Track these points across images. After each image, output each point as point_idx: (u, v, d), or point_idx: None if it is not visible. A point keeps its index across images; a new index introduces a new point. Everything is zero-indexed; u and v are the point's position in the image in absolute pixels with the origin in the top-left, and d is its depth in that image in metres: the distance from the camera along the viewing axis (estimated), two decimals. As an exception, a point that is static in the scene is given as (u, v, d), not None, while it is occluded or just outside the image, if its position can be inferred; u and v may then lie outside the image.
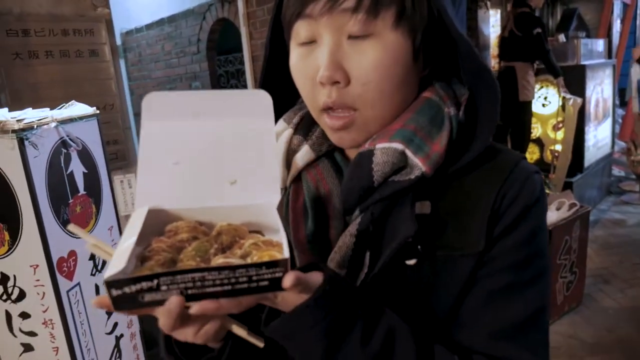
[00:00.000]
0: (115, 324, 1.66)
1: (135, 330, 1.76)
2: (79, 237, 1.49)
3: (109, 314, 1.64)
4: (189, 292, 0.42)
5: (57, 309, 1.40)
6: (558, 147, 4.46)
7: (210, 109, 0.55)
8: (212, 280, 0.42)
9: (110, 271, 0.41)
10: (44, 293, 1.39)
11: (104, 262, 1.62)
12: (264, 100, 0.55)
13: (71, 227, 0.55)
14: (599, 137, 4.92)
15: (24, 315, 1.41)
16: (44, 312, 1.40)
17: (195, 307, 0.43)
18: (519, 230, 0.59)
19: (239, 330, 0.54)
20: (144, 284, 0.41)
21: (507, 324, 0.58)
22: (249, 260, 0.46)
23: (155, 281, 0.41)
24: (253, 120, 0.55)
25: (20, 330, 1.42)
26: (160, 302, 0.43)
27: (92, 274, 1.56)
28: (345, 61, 0.56)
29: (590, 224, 3.09)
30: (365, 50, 0.56)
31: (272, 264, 0.43)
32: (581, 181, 4.41)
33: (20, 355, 1.45)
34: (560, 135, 4.46)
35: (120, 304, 0.41)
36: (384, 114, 0.60)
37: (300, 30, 0.58)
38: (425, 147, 0.58)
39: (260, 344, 0.54)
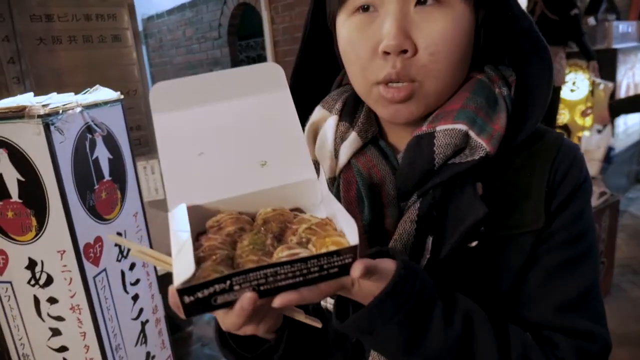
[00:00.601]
0: (141, 310, 1.67)
1: (160, 316, 1.77)
2: (105, 223, 1.50)
3: (135, 299, 1.64)
4: (262, 288, 0.41)
5: (84, 294, 1.40)
6: (586, 134, 4.33)
7: (221, 90, 0.53)
8: (285, 274, 0.41)
9: (180, 278, 0.39)
10: (71, 279, 1.39)
11: (129, 249, 1.62)
12: (275, 72, 0.54)
13: (111, 237, 0.54)
14: (629, 124, 4.77)
15: (52, 300, 1.42)
16: (72, 297, 1.41)
17: (277, 301, 0.42)
18: (573, 206, 0.59)
19: (299, 316, 0.53)
20: (217, 287, 0.40)
21: (570, 296, 0.59)
22: (311, 247, 0.45)
23: (228, 282, 0.40)
24: (268, 94, 0.54)
25: (49, 315, 1.44)
26: (232, 302, 0.42)
27: (117, 260, 1.56)
28: (413, 30, 0.54)
29: (619, 213, 3.00)
30: (436, 19, 0.54)
31: (343, 252, 0.42)
32: (610, 168, 4.29)
33: (49, 339, 1.46)
34: (588, 121, 4.33)
35: (193, 309, 0.41)
36: (444, 87, 0.59)
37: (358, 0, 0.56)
38: (487, 127, 0.57)
39: (319, 325, 0.54)
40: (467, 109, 0.58)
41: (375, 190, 0.61)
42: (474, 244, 0.57)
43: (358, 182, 0.61)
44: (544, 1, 4.09)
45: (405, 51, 0.54)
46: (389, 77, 0.56)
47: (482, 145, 0.56)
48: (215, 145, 0.52)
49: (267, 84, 0.54)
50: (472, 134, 0.57)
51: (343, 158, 0.62)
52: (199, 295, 0.40)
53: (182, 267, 0.40)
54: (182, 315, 0.41)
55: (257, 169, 0.53)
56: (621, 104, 2.87)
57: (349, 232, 0.44)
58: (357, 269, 0.42)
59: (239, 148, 0.53)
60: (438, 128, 0.57)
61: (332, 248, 0.42)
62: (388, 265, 0.48)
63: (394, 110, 0.59)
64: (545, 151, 0.60)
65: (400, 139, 0.65)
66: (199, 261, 0.44)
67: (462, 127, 0.56)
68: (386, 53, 0.55)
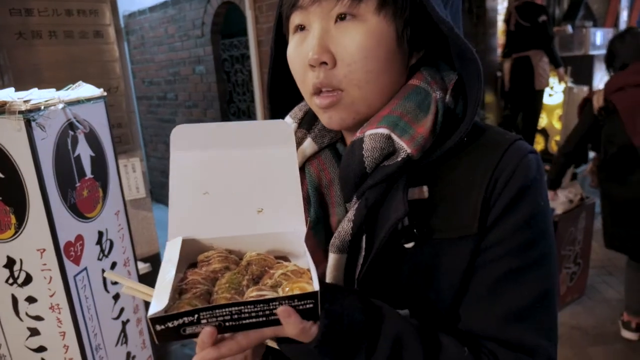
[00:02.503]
0: (122, 310, 1.65)
1: (141, 316, 1.75)
2: (86, 222, 1.48)
3: (116, 299, 1.62)
4: (227, 324, 0.45)
5: (64, 293, 1.38)
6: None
7: (235, 139, 0.59)
8: (248, 313, 0.45)
9: (153, 308, 0.44)
10: (50, 277, 1.37)
11: (111, 247, 1.60)
12: (284, 129, 0.60)
13: (107, 274, 0.58)
14: (604, 128, 4.89)
15: (31, 300, 1.39)
16: (51, 296, 1.38)
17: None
18: (517, 213, 0.59)
19: (271, 342, 0.57)
20: (186, 319, 0.44)
21: (515, 307, 0.59)
22: (279, 291, 0.49)
23: (196, 316, 0.44)
24: (275, 149, 0.60)
25: (27, 315, 1.41)
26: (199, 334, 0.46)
27: (99, 259, 1.54)
28: (332, 44, 0.60)
29: (594, 215, 3.08)
30: (349, 32, 0.59)
31: (304, 297, 0.45)
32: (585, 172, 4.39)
33: (27, 339, 1.43)
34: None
35: (163, 336, 0.45)
36: (369, 95, 0.62)
37: (294, 20, 0.63)
38: (410, 129, 0.60)
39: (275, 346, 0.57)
40: (392, 114, 0.62)
41: (323, 191, 0.67)
42: (409, 245, 0.60)
43: (307, 183, 0.67)
44: (517, 10, 4.20)
45: (325, 63, 0.60)
46: (315, 86, 0.62)
47: (403, 147, 0.59)
48: (220, 187, 0.58)
49: (276, 138, 0.60)
50: (394, 136, 0.60)
51: (299, 161, 0.68)
52: (169, 325, 0.44)
53: (159, 298, 0.45)
54: (155, 340, 0.45)
55: (254, 214, 0.58)
56: None
57: (315, 279, 0.47)
58: (282, 311, 0.46)
59: (241, 193, 0.58)
60: (366, 133, 0.62)
61: (296, 292, 0.46)
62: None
63: (328, 117, 0.64)
64: (489, 155, 0.61)
65: None
66: (181, 292, 0.50)
67: (384, 130, 0.60)
68: (311, 66, 0.61)
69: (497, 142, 0.62)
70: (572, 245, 2.86)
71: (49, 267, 1.36)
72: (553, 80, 4.50)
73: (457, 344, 0.58)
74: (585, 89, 4.24)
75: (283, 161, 0.60)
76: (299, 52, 0.63)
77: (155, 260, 2.67)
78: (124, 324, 1.66)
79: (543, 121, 4.67)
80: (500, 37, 4.99)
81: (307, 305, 0.46)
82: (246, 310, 0.44)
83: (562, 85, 4.41)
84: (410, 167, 0.61)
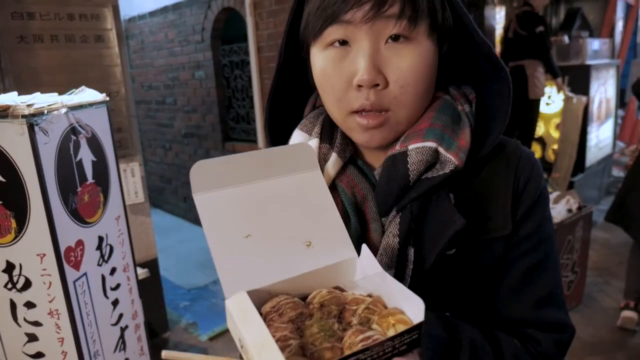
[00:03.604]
0: (121, 315, 1.64)
1: (140, 322, 1.74)
2: (87, 227, 1.47)
3: (115, 304, 1.61)
4: None
5: (63, 299, 1.37)
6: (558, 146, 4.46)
7: (258, 170, 0.55)
8: (371, 358, 0.43)
9: None
10: (50, 283, 1.36)
11: (111, 253, 1.59)
12: (307, 152, 0.58)
13: (165, 353, 0.52)
14: (601, 138, 4.92)
15: (29, 305, 1.38)
16: (50, 302, 1.37)
17: None
18: (538, 211, 0.66)
19: None
20: None
21: (543, 293, 0.66)
22: (375, 327, 0.47)
23: None
24: (302, 174, 0.57)
25: (25, 320, 1.40)
26: None
27: (98, 264, 1.53)
28: (384, 65, 0.60)
29: (592, 224, 3.09)
30: (404, 55, 0.60)
31: (412, 330, 0.45)
32: (582, 181, 4.41)
33: (24, 345, 1.42)
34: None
35: None
36: (414, 114, 0.64)
37: (334, 34, 0.60)
38: (454, 142, 0.63)
39: None
40: (435, 127, 0.63)
41: (358, 207, 0.66)
42: (452, 251, 0.62)
43: (343, 200, 0.66)
44: (517, 18, 4.23)
45: (377, 85, 0.60)
46: (363, 107, 0.61)
47: (451, 159, 0.61)
48: (260, 226, 0.53)
49: (300, 164, 0.57)
50: (441, 149, 0.62)
51: (328, 178, 0.67)
52: None
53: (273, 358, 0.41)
54: None
55: (303, 249, 0.54)
56: None
57: (412, 309, 0.46)
58: None
59: (283, 228, 0.54)
60: (410, 147, 0.62)
61: (401, 327, 0.45)
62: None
63: (369, 136, 0.64)
64: (508, 161, 0.67)
65: (375, 158, 0.70)
66: None
67: (431, 144, 0.62)
68: (360, 86, 0.60)
69: (511, 149, 0.68)
70: (570, 254, 2.87)
71: (48, 272, 1.35)
72: (551, 90, 4.53)
73: (508, 337, 0.64)
74: (584, 98, 4.27)
75: (313, 186, 0.57)
76: (339, 69, 0.61)
77: (153, 266, 2.66)
78: (123, 330, 1.65)
79: (540, 130, 4.70)
80: (497, 46, 5.02)
81: (413, 337, 0.45)
82: (363, 358, 0.43)
83: (561, 95, 4.44)
84: (453, 178, 0.63)
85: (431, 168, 0.63)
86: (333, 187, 0.67)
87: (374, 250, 0.63)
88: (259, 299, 0.51)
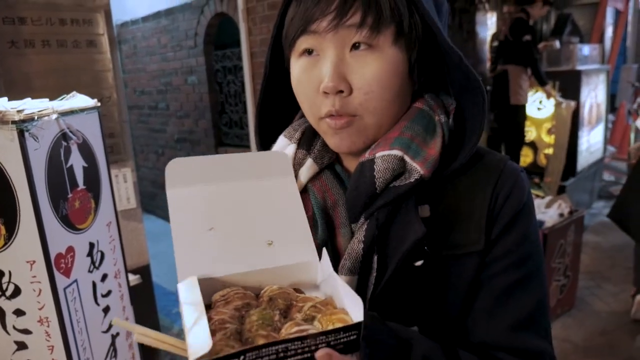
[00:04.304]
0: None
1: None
2: (77, 233, 1.46)
3: (106, 312, 1.60)
4: None
5: (53, 306, 1.35)
6: (551, 151, 4.49)
7: (233, 172, 0.57)
8: (295, 350, 0.43)
9: (195, 353, 0.42)
10: (40, 290, 1.34)
11: (102, 259, 1.58)
12: (282, 160, 0.60)
13: (115, 320, 0.54)
14: (592, 142, 4.96)
15: (19, 313, 1.37)
16: (40, 309, 1.36)
17: None
18: (518, 228, 0.64)
19: None
20: None
21: (521, 316, 0.63)
22: (317, 324, 0.47)
23: (242, 357, 0.42)
24: (275, 179, 0.59)
25: (14, 328, 1.38)
26: None
27: (89, 271, 1.52)
28: (348, 72, 0.61)
29: (583, 228, 3.11)
30: (367, 62, 0.61)
31: (348, 329, 0.44)
32: (574, 185, 4.45)
33: (14, 353, 1.40)
34: (554, 139, 4.49)
35: None
36: (382, 121, 0.65)
37: (304, 44, 0.63)
38: (422, 152, 0.63)
39: None
40: (403, 136, 0.64)
41: (328, 212, 0.67)
42: (419, 263, 0.62)
43: (312, 204, 0.67)
44: (510, 24, 4.29)
45: (341, 91, 0.61)
46: (329, 113, 0.63)
47: (416, 168, 0.62)
48: (225, 222, 0.55)
49: (275, 169, 0.59)
50: (407, 158, 0.62)
51: (300, 182, 0.68)
52: None
53: (198, 341, 0.42)
54: None
55: (264, 248, 0.56)
56: None
57: (354, 310, 0.46)
58: (322, 356, 0.44)
59: (247, 226, 0.56)
60: (377, 154, 0.63)
61: (339, 325, 0.45)
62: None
63: (339, 139, 0.65)
64: (487, 175, 0.65)
65: (353, 164, 0.70)
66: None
67: (397, 152, 0.62)
68: (325, 93, 0.62)
69: (492, 163, 0.67)
70: (562, 258, 2.88)
71: (38, 280, 1.33)
72: (541, 96, 4.57)
73: (472, 358, 0.61)
74: (573, 103, 4.31)
75: (285, 191, 0.59)
76: (309, 77, 0.64)
77: (145, 272, 2.64)
78: (114, 337, 1.64)
79: (532, 134, 4.73)
80: (488, 52, 5.06)
81: (351, 337, 0.45)
82: (292, 348, 0.43)
83: (552, 100, 4.48)
84: (420, 187, 0.62)
85: (399, 177, 0.63)
86: (305, 190, 0.68)
87: (341, 255, 0.64)
88: (212, 288, 0.53)
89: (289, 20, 0.64)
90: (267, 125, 0.78)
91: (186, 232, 0.54)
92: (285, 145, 0.71)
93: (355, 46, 0.61)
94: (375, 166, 0.62)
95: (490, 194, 0.64)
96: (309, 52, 0.63)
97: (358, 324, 0.45)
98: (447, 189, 0.66)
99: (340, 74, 0.61)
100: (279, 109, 0.77)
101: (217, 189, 0.56)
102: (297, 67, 0.65)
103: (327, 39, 0.61)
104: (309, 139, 0.71)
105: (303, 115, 0.75)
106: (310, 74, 0.63)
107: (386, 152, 0.63)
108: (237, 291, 0.51)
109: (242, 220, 0.56)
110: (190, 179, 0.55)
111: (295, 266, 0.56)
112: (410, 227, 0.60)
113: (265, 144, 0.77)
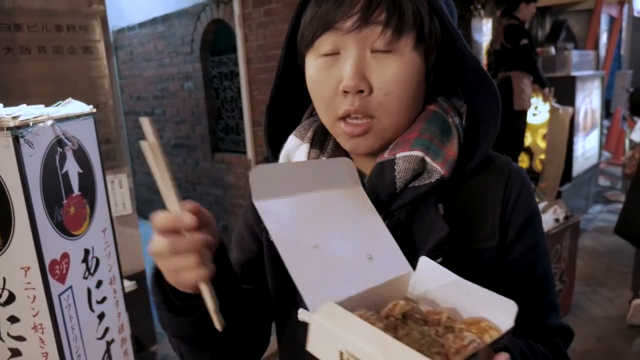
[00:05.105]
0: (107, 329, 1.61)
1: (126, 336, 1.72)
2: (72, 239, 1.45)
3: (100, 318, 1.59)
4: None
5: (48, 313, 1.35)
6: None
7: (309, 181, 0.56)
8: None
9: None
10: (34, 296, 1.34)
11: (97, 265, 1.57)
12: (349, 168, 0.60)
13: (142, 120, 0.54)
14: (587, 147, 4.99)
15: (13, 319, 1.36)
16: (34, 316, 1.35)
17: None
18: (531, 232, 0.69)
19: (211, 305, 0.54)
20: None
21: (549, 303, 0.71)
22: (466, 335, 0.46)
23: None
24: (347, 188, 0.59)
25: (9, 335, 1.37)
26: None
27: (84, 277, 1.51)
28: (369, 73, 0.62)
29: (579, 233, 3.12)
30: (388, 65, 0.62)
31: (505, 334, 0.46)
32: (569, 190, 4.46)
33: (8, 360, 1.39)
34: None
35: None
36: (399, 122, 0.66)
37: (325, 43, 0.63)
38: (441, 153, 0.65)
39: (220, 328, 0.55)
40: (423, 138, 0.65)
41: None
42: (439, 260, 0.62)
43: None
44: (504, 31, 4.32)
45: (361, 91, 0.61)
46: (348, 113, 0.63)
47: (437, 169, 0.63)
48: (323, 238, 0.54)
49: (345, 178, 0.59)
50: (427, 159, 0.64)
51: None
52: None
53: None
54: None
55: (366, 262, 0.55)
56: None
57: (495, 315, 0.47)
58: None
59: (344, 241, 0.55)
60: (398, 155, 0.64)
61: (494, 333, 0.46)
62: None
63: (355, 144, 0.66)
64: (497, 175, 0.69)
65: (365, 164, 0.71)
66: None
67: (418, 153, 0.63)
68: (345, 92, 0.62)
69: (500, 164, 0.70)
70: (558, 263, 2.89)
71: (33, 286, 1.33)
72: (537, 100, 4.59)
73: (536, 344, 0.65)
74: (570, 109, 4.33)
75: (360, 201, 0.59)
76: (328, 76, 0.63)
77: (141, 278, 2.63)
78: (109, 344, 1.63)
79: (527, 140, 4.75)
80: (484, 58, 5.09)
81: (500, 344, 0.46)
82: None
83: (547, 105, 4.50)
84: (439, 187, 0.64)
85: (418, 177, 0.64)
86: None
87: None
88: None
89: (307, 20, 0.64)
90: (275, 125, 0.78)
91: (294, 252, 0.51)
92: (297, 145, 0.72)
93: (376, 49, 0.61)
94: (396, 166, 0.63)
95: (502, 193, 0.67)
96: (330, 53, 0.63)
97: (510, 330, 0.46)
98: (461, 189, 0.68)
99: (361, 73, 0.61)
100: (287, 109, 0.77)
101: (301, 200, 0.55)
102: (315, 66, 0.65)
103: (350, 38, 0.61)
104: (321, 139, 0.72)
105: (311, 115, 0.76)
106: (329, 73, 0.63)
107: (407, 153, 0.64)
108: (370, 313, 0.48)
109: (337, 234, 0.55)
110: (274, 190, 0.53)
111: (398, 279, 0.55)
112: (434, 226, 0.62)
113: (273, 143, 0.77)
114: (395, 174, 0.63)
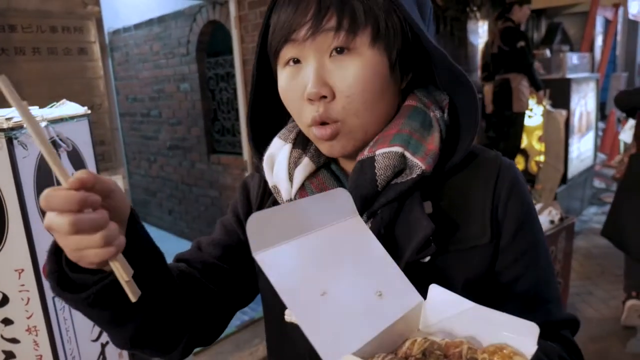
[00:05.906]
0: (101, 331, 1.61)
1: (121, 338, 1.71)
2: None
3: (95, 320, 1.59)
4: None
5: (42, 315, 1.34)
6: (542, 158, 4.52)
7: (305, 220, 0.53)
8: None
9: None
10: (28, 299, 1.33)
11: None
12: (345, 198, 0.58)
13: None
14: (582, 150, 5.01)
15: (7, 322, 1.35)
16: (28, 318, 1.34)
17: None
18: (530, 220, 0.67)
19: (121, 273, 0.51)
20: None
21: (553, 297, 0.69)
22: None
23: None
24: (345, 221, 0.57)
25: (2, 337, 1.36)
26: None
27: (78, 279, 1.51)
28: (329, 77, 0.62)
29: (574, 235, 3.13)
30: (346, 66, 0.62)
31: None
32: (564, 192, 4.48)
33: (1, 363, 1.39)
34: (545, 147, 4.52)
35: None
36: (367, 122, 0.65)
37: (287, 54, 0.64)
38: (421, 147, 0.64)
39: (133, 298, 0.53)
40: (402, 133, 0.64)
41: None
42: (426, 259, 0.62)
43: None
44: (500, 34, 4.34)
45: (324, 97, 0.62)
46: (314, 120, 0.63)
47: (418, 163, 0.62)
48: (329, 282, 0.51)
49: (341, 211, 0.57)
50: (407, 154, 0.63)
51: (297, 180, 0.68)
52: None
53: None
54: None
55: (377, 301, 0.53)
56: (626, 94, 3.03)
57: (517, 339, 0.46)
58: None
59: (351, 282, 0.53)
60: (377, 152, 0.64)
61: (519, 359, 0.44)
62: None
63: (329, 146, 0.66)
64: (485, 170, 0.67)
65: (349, 164, 0.71)
66: None
67: (397, 149, 0.63)
68: (310, 100, 0.63)
69: (489, 159, 0.69)
70: (553, 265, 2.90)
71: (27, 288, 1.32)
72: (532, 102, 4.61)
73: (546, 342, 0.64)
74: (564, 112, 4.35)
75: (359, 233, 0.57)
76: (294, 85, 0.64)
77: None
78: (103, 346, 1.62)
79: (523, 142, 4.77)
80: (480, 60, 5.11)
81: None
82: None
83: (541, 108, 4.52)
84: (422, 183, 0.63)
85: (400, 174, 0.64)
86: (303, 188, 0.69)
87: None
88: None
89: (272, 31, 0.65)
90: (261, 131, 0.78)
91: (302, 303, 0.49)
92: (280, 146, 0.72)
93: (334, 51, 0.62)
94: (375, 163, 0.63)
95: (492, 189, 0.66)
96: (294, 61, 0.64)
97: (535, 356, 0.45)
98: (447, 186, 0.67)
99: (321, 80, 0.62)
100: (271, 114, 0.78)
101: (301, 243, 0.52)
102: (283, 76, 0.66)
103: (307, 47, 0.62)
104: (304, 140, 0.72)
105: None
106: (295, 82, 0.64)
107: (386, 149, 0.63)
108: (388, 358, 0.47)
109: (343, 275, 0.53)
110: (272, 237, 0.51)
111: (412, 311, 0.53)
112: (418, 224, 0.61)
113: (260, 149, 0.77)
114: (376, 171, 0.63)
